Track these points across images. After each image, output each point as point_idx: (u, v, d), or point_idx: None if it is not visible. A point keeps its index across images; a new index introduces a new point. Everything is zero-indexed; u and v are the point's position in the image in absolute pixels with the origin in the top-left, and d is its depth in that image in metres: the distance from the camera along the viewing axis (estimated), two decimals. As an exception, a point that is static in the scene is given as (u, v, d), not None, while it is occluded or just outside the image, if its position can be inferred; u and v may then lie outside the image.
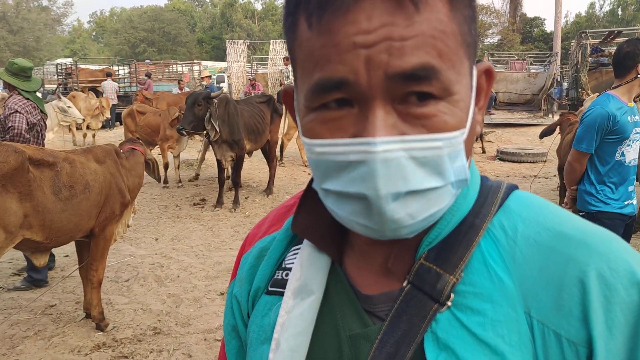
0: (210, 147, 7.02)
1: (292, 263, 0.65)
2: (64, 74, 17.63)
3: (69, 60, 20.58)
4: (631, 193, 2.96)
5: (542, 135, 7.11)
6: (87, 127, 11.70)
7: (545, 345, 0.51)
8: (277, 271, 0.67)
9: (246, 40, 22.35)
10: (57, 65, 19.67)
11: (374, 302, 0.58)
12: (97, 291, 3.62)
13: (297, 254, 0.66)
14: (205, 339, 3.48)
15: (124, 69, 21.13)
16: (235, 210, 6.80)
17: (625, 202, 2.93)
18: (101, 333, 3.54)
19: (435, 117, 0.49)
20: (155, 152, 9.32)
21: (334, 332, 0.59)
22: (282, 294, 0.64)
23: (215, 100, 6.35)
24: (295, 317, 0.60)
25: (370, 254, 0.61)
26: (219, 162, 6.91)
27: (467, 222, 0.58)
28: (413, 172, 0.49)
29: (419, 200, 0.50)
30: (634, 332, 0.49)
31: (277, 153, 8.66)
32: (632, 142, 2.90)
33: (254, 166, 9.47)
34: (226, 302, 0.75)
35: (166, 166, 8.14)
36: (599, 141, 2.91)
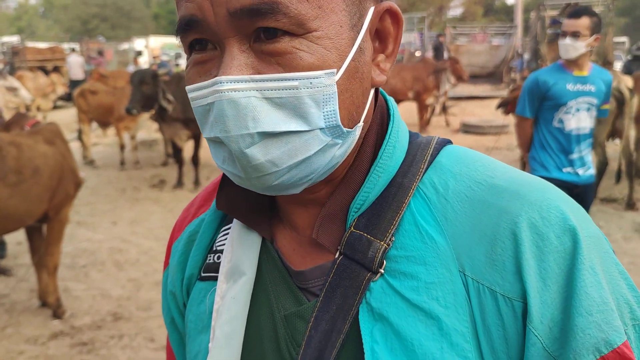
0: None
1: (224, 245, 0.61)
2: (10, 53, 16.75)
3: (15, 39, 19.54)
4: (575, 161, 3.01)
5: (499, 106, 7.23)
6: (37, 109, 11.19)
7: (481, 303, 0.48)
8: (208, 255, 0.63)
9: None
10: (2, 44, 18.67)
11: (307, 278, 0.55)
12: (54, 277, 3.49)
13: (227, 234, 0.62)
14: (167, 322, 3.41)
15: (75, 46, 20.24)
16: (196, 190, 6.67)
17: (564, 170, 2.99)
18: (58, 321, 3.42)
19: (289, 55, 0.46)
20: (110, 133, 9.02)
21: (269, 313, 0.56)
22: (215, 279, 0.60)
23: (165, 77, 6.20)
24: (228, 302, 0.56)
25: (299, 225, 0.58)
26: (172, 142, 6.75)
27: (395, 183, 0.54)
28: (267, 113, 0.46)
29: (280, 145, 0.47)
30: (567, 280, 0.47)
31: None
32: (575, 110, 2.94)
33: (215, 145, 9.29)
34: (162, 295, 0.70)
35: (122, 147, 7.88)
36: (536, 106, 3.02)
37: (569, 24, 2.89)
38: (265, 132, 0.46)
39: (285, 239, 0.59)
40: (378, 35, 0.54)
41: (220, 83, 0.46)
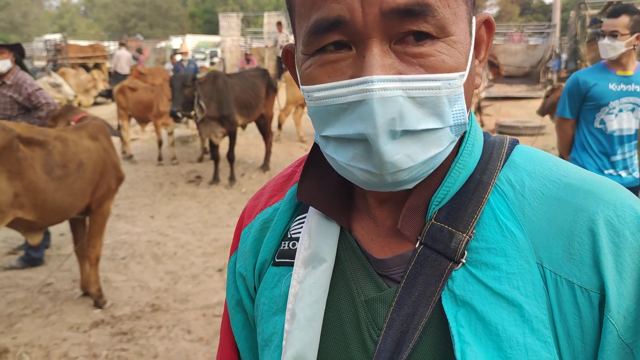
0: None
1: (299, 233, 0.64)
2: (53, 51, 17.32)
3: (57, 36, 20.17)
4: (617, 163, 2.93)
5: (541, 113, 7.02)
6: (78, 105, 11.54)
7: (558, 293, 0.52)
8: (282, 242, 0.66)
9: (239, 13, 21.96)
10: (45, 41, 19.31)
11: (387, 266, 0.58)
12: (95, 268, 3.60)
13: (302, 223, 0.65)
14: (204, 315, 3.48)
15: (114, 44, 20.76)
16: (231, 186, 6.76)
17: (606, 172, 2.91)
18: (99, 310, 3.53)
19: (432, 57, 0.49)
20: (148, 129, 9.24)
21: (349, 298, 0.59)
22: (290, 265, 0.63)
23: (201, 79, 6.33)
24: (309, 286, 0.59)
25: (378, 217, 0.61)
26: (210, 141, 6.87)
27: (474, 179, 0.57)
28: (410, 111, 0.48)
29: (417, 141, 0.50)
30: None
31: (274, 128, 8.57)
32: (617, 111, 2.85)
33: (250, 142, 9.40)
34: (228, 277, 0.73)
35: (160, 143, 8.05)
36: (578, 107, 2.96)
37: (607, 23, 2.83)
38: (410, 130, 0.49)
39: (363, 229, 0.62)
40: (475, 42, 0.57)
41: (371, 82, 0.48)
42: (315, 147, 0.65)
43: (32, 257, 4.24)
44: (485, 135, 0.63)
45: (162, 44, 24.25)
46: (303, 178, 0.64)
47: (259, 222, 0.70)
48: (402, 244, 0.59)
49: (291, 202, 0.68)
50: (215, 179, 6.90)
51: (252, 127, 7.87)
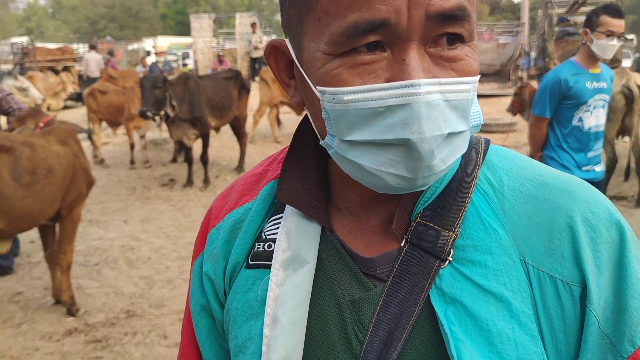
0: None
1: (274, 234, 0.63)
2: (20, 54, 16.88)
3: (24, 39, 19.67)
4: (592, 159, 3.01)
5: (512, 113, 7.12)
6: (48, 109, 11.28)
7: (541, 288, 0.54)
8: (256, 243, 0.64)
9: (211, 14, 21.77)
10: (12, 44, 18.80)
11: (374, 265, 0.58)
12: (67, 275, 3.54)
13: (278, 224, 0.63)
14: (180, 320, 3.45)
15: (84, 47, 20.36)
16: (205, 189, 6.72)
17: (583, 168, 2.98)
18: (72, 318, 3.47)
19: (462, 61, 0.50)
20: (120, 132, 9.10)
21: (333, 300, 0.58)
22: (266, 267, 0.62)
23: (172, 81, 6.28)
24: (290, 290, 0.58)
25: (362, 216, 0.61)
26: (180, 142, 6.81)
27: (456, 178, 0.58)
28: (450, 114, 0.49)
29: (450, 144, 0.50)
30: (617, 268, 0.54)
31: (248, 129, 8.53)
32: (592, 108, 2.93)
33: (224, 144, 9.34)
34: (192, 281, 0.70)
35: (132, 146, 7.94)
36: (555, 106, 2.97)
37: (620, 24, 2.82)
38: (451, 133, 0.49)
39: (345, 228, 0.61)
40: None
41: (418, 86, 0.47)
42: (294, 145, 0.64)
43: (1, 266, 4.14)
44: None
45: (135, 45, 23.88)
46: (282, 177, 0.63)
47: (229, 223, 0.67)
48: (387, 242, 0.59)
49: (265, 202, 0.66)
50: (189, 182, 6.84)
51: (226, 128, 7.82)
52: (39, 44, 19.00)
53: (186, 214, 5.78)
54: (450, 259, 0.55)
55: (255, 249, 0.64)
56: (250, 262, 0.64)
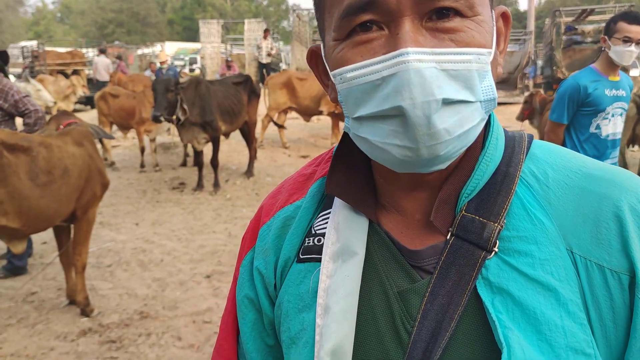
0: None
1: (324, 229, 0.65)
2: (30, 57, 17.02)
3: (34, 43, 19.84)
4: None
5: (520, 119, 7.11)
6: (57, 112, 11.36)
7: (589, 277, 0.54)
8: (306, 238, 0.66)
9: (220, 20, 21.90)
10: (22, 48, 18.97)
11: (421, 257, 0.59)
12: (82, 276, 3.55)
13: (326, 219, 0.65)
14: (193, 322, 3.45)
15: (92, 51, 20.50)
16: (216, 193, 6.73)
17: None
18: (87, 319, 3.48)
19: (462, 32, 0.52)
20: (130, 136, 9.14)
21: (381, 290, 0.60)
22: (316, 260, 0.63)
23: (183, 84, 6.31)
24: (341, 280, 0.60)
25: (407, 209, 0.62)
26: (192, 146, 6.85)
27: (500, 171, 0.60)
28: (448, 83, 0.50)
29: (454, 114, 0.51)
30: None
31: (257, 134, 8.56)
32: (611, 116, 2.93)
33: (232, 148, 9.36)
34: (240, 275, 0.72)
35: (142, 150, 7.98)
36: (573, 112, 2.96)
37: (635, 30, 2.81)
38: (448, 99, 0.50)
39: (391, 222, 0.63)
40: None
41: (406, 54, 0.49)
42: (343, 141, 0.66)
43: (15, 266, 4.16)
44: (504, 130, 0.66)
45: (146, 50, 24.04)
46: (332, 171, 0.65)
47: (280, 220, 0.69)
48: (433, 235, 0.60)
49: (314, 199, 0.68)
50: (200, 186, 6.86)
51: (234, 133, 7.84)
52: (48, 48, 19.14)
53: (197, 217, 5.79)
54: (496, 249, 0.56)
55: (306, 244, 0.66)
56: (301, 257, 0.65)
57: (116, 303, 3.73)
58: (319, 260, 0.63)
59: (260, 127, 9.41)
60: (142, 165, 7.95)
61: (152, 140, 8.09)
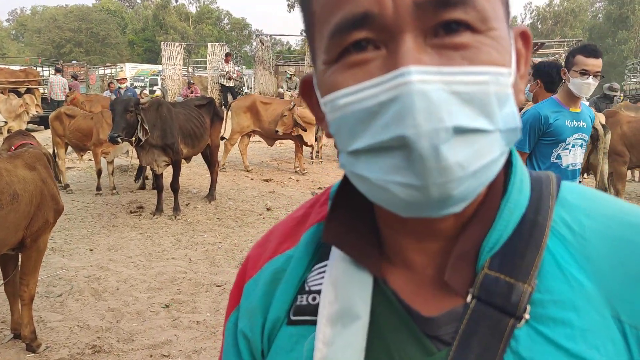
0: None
1: (319, 285, 0.55)
2: (-20, 74, 16.33)
3: (-14, 60, 19.09)
4: None
5: None
6: (9, 131, 10.88)
7: None
8: (299, 296, 0.57)
9: (182, 43, 21.76)
10: (-28, 64, 18.22)
11: (437, 324, 0.49)
12: (29, 308, 3.31)
13: (322, 273, 0.56)
14: (151, 355, 3.26)
15: (48, 70, 19.91)
16: (175, 217, 6.53)
17: None
18: (33, 355, 3.23)
19: (476, 48, 0.43)
20: (86, 157, 8.83)
21: None
22: (310, 323, 0.54)
23: (144, 106, 6.15)
24: (341, 349, 0.50)
25: (417, 264, 0.53)
26: (151, 168, 6.66)
27: (527, 220, 0.50)
28: (458, 108, 0.41)
29: (468, 145, 0.42)
30: None
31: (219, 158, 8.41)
32: (571, 146, 3.00)
33: (193, 171, 9.18)
34: (225, 339, 0.63)
35: (99, 172, 7.69)
36: (535, 141, 3.02)
37: (594, 63, 2.89)
38: (460, 128, 0.41)
39: (399, 280, 0.53)
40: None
41: (408, 74, 0.41)
42: (344, 181, 0.58)
43: (-46, 297, 3.85)
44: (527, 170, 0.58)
45: (107, 71, 23.60)
46: (330, 216, 0.56)
47: (268, 273, 0.60)
48: (449, 297, 0.50)
49: (307, 249, 0.59)
50: (159, 210, 6.64)
51: (196, 156, 7.68)
52: (0, 66, 18.46)
53: (155, 243, 5.57)
54: (527, 316, 0.47)
55: (298, 302, 0.56)
56: (293, 318, 0.56)
57: (66, 336, 3.49)
58: (314, 322, 0.53)
59: (223, 151, 9.28)
60: (99, 188, 7.65)
61: (110, 162, 7.82)
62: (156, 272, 4.71)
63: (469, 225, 0.50)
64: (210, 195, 7.47)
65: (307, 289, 0.56)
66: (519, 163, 0.54)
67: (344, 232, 0.55)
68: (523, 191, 0.52)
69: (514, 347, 0.46)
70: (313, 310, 0.54)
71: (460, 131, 0.41)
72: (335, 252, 0.55)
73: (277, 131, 9.05)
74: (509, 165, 0.54)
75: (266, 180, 9.03)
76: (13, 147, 3.52)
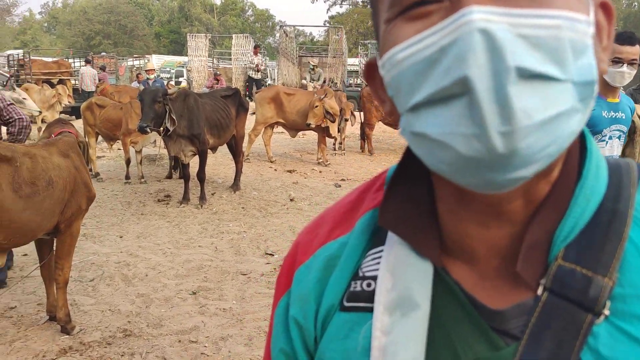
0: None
1: (374, 270, 0.53)
2: (15, 66, 16.79)
3: (20, 52, 19.61)
4: None
5: None
6: (42, 121, 11.18)
7: None
8: (353, 282, 0.55)
9: (207, 34, 21.93)
10: (8, 56, 18.72)
11: (506, 318, 0.47)
12: (63, 291, 3.43)
13: (377, 258, 0.54)
14: (179, 341, 3.35)
15: (79, 61, 20.32)
16: (202, 206, 6.64)
17: None
18: (67, 336, 3.35)
19: None
20: (116, 147, 9.02)
21: (452, 357, 0.48)
22: (364, 310, 0.53)
23: (172, 96, 6.24)
24: (400, 339, 0.48)
25: (481, 253, 0.49)
26: (177, 158, 6.75)
27: (605, 208, 0.47)
28: (524, 50, 0.38)
29: (533, 92, 0.38)
30: None
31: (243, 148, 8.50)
32: (608, 138, 2.91)
33: (218, 162, 9.29)
34: (275, 324, 0.62)
35: (128, 161, 7.85)
36: None
37: (629, 51, 2.80)
38: (526, 70, 0.38)
39: (461, 269, 0.50)
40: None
41: (470, 13, 0.38)
42: (401, 163, 0.55)
43: (-8, 280, 4.02)
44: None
45: (136, 62, 23.99)
46: (387, 199, 0.54)
47: (321, 260, 0.58)
48: (517, 289, 0.47)
49: (362, 235, 0.56)
50: (185, 199, 6.76)
51: (220, 146, 7.78)
52: (34, 57, 18.93)
53: (182, 231, 5.69)
54: (607, 312, 0.44)
55: (352, 289, 0.54)
56: (346, 304, 0.54)
57: (98, 320, 3.61)
58: (369, 310, 0.52)
59: (247, 141, 9.37)
60: (127, 177, 7.82)
61: (139, 151, 7.98)
62: (183, 259, 4.82)
63: (540, 210, 0.47)
64: (235, 185, 7.56)
65: (361, 275, 0.55)
66: (595, 148, 0.51)
67: (401, 218, 0.53)
68: (600, 178, 0.49)
69: (592, 345, 0.44)
70: (368, 296, 0.53)
71: (525, 75, 0.38)
72: (392, 238, 0.53)
73: (309, 124, 8.99)
74: (584, 150, 0.50)
75: (289, 171, 9.08)
76: (53, 135, 3.64)
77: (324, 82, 15.78)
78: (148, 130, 6.06)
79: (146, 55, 26.99)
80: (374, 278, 0.53)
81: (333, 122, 9.22)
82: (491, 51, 0.37)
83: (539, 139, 0.39)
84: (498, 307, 0.47)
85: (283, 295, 0.61)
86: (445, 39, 0.40)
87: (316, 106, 8.90)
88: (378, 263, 0.54)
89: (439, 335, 0.49)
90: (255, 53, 16.61)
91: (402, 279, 0.50)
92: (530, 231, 0.47)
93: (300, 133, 10.45)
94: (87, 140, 8.03)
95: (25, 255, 4.71)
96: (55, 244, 3.53)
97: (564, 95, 0.40)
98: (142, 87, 9.62)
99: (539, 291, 0.46)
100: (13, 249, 4.34)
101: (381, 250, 0.54)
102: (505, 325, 0.47)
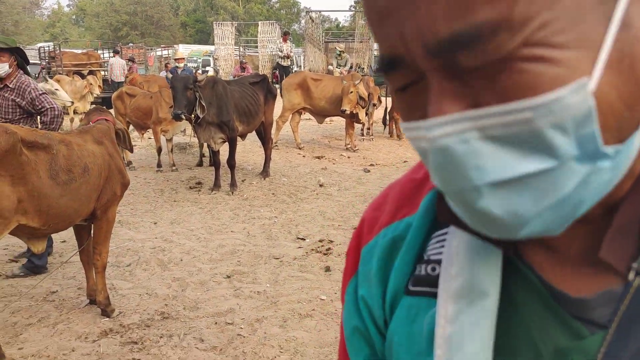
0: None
1: (439, 254, 0.51)
2: (47, 58, 17.17)
3: (51, 44, 20.03)
4: None
5: None
6: (74, 112, 11.41)
7: None
8: (417, 265, 0.52)
9: (233, 22, 21.96)
10: (39, 49, 19.16)
11: (591, 306, 0.43)
12: (102, 276, 3.50)
13: (442, 241, 0.51)
14: (215, 323, 3.39)
15: (108, 52, 20.66)
16: (233, 193, 6.68)
17: None
18: (107, 319, 3.43)
19: (517, 74, 0.35)
20: (147, 135, 9.15)
21: (529, 347, 0.45)
22: (428, 295, 0.50)
23: (200, 83, 6.27)
24: (467, 328, 0.45)
25: (558, 242, 0.45)
26: (208, 145, 6.79)
27: None
28: (493, 157, 0.35)
29: (519, 191, 0.36)
30: None
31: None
32: None
33: (247, 149, 9.33)
34: (346, 304, 0.61)
35: (159, 150, 7.96)
36: None
37: None
38: (495, 182, 0.36)
39: (536, 256, 0.47)
40: None
41: (427, 128, 0.37)
42: None
43: (35, 265, 4.13)
44: None
45: (165, 52, 24.26)
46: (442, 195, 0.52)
47: (387, 241, 0.56)
48: (601, 276, 0.43)
49: (427, 215, 0.54)
50: (217, 185, 6.81)
51: (249, 133, 7.80)
52: (64, 49, 19.31)
53: (215, 217, 5.74)
54: None
55: (417, 272, 0.52)
56: (411, 288, 0.52)
57: (136, 303, 3.67)
58: (433, 295, 0.49)
59: (275, 128, 9.38)
60: (159, 165, 7.93)
61: (169, 140, 8.07)
62: (217, 244, 4.86)
63: (629, 195, 0.43)
64: (265, 172, 7.58)
65: (426, 258, 0.52)
66: None
67: None
68: None
69: None
70: (432, 281, 0.50)
71: (500, 183, 0.36)
72: None
73: (344, 110, 8.85)
74: None
75: (318, 157, 9.06)
76: (91, 122, 3.70)
77: (351, 67, 15.64)
78: (183, 117, 6.10)
79: (174, 45, 27.25)
80: (439, 262, 0.50)
81: (364, 107, 9.13)
82: (453, 171, 0.37)
83: (546, 221, 0.37)
84: (579, 295, 0.44)
85: (351, 277, 0.60)
86: (423, 144, 0.38)
87: (351, 92, 8.78)
88: (442, 246, 0.51)
89: (513, 325, 0.45)
90: (285, 40, 16.56)
91: (467, 264, 0.47)
92: (618, 215, 0.42)
93: (327, 119, 10.40)
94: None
95: (64, 242, 4.83)
96: (92, 230, 3.60)
97: (563, 178, 0.36)
98: (170, 76, 9.70)
99: (631, 276, 0.41)
100: (52, 236, 4.45)
101: (445, 233, 0.51)
102: (589, 314, 0.43)
